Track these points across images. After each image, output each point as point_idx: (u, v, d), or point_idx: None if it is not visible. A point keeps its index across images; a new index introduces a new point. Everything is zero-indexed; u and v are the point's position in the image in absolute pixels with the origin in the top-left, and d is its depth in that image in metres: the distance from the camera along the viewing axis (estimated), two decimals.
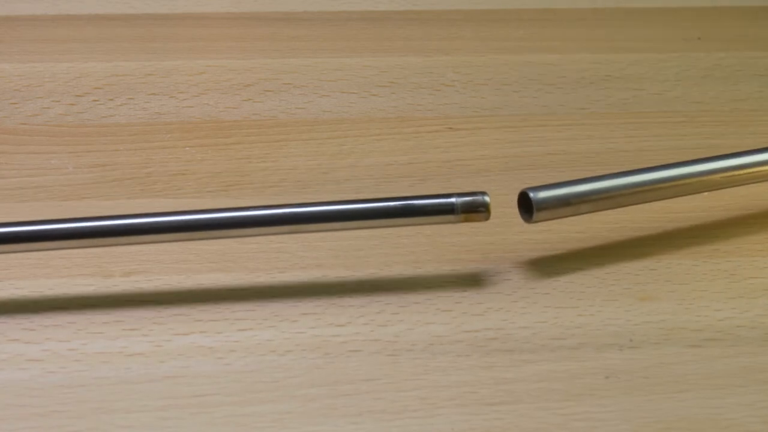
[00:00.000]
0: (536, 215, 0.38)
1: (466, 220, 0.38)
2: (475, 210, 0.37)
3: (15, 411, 0.33)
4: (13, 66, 0.50)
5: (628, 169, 0.40)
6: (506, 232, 0.41)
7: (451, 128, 0.47)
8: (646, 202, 0.40)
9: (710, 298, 0.38)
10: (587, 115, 0.49)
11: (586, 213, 0.39)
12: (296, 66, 0.51)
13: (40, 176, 0.43)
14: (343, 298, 0.37)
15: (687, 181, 0.40)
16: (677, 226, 0.42)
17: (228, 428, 0.33)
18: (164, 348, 0.35)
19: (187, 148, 0.45)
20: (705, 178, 0.40)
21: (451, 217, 0.37)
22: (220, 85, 0.49)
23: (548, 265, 0.39)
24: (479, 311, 0.37)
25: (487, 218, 0.38)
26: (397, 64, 0.51)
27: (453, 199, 0.37)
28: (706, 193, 0.43)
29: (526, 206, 0.38)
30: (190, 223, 0.36)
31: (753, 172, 0.41)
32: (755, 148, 0.42)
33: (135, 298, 0.37)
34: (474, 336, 0.36)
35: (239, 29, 0.54)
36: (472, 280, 0.39)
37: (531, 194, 0.38)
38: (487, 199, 0.37)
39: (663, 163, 0.41)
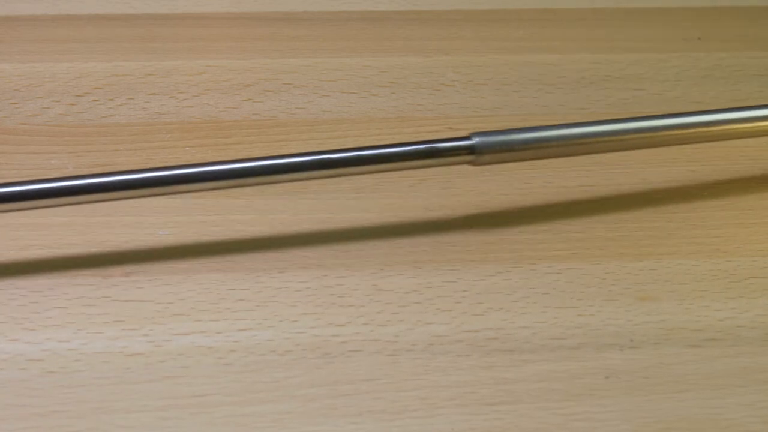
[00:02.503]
0: (479, 158, 0.39)
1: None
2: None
3: (15, 411, 0.33)
4: (13, 66, 0.50)
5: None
6: (506, 232, 0.41)
7: (451, 128, 0.47)
8: (591, 153, 0.41)
9: (710, 298, 0.38)
10: (587, 115, 0.49)
11: (531, 159, 0.40)
12: (296, 66, 0.51)
13: (40, 176, 0.43)
14: (343, 298, 0.38)
15: (631, 136, 0.41)
16: (677, 226, 0.42)
17: (228, 428, 0.33)
18: (164, 348, 0.35)
19: (187, 148, 0.45)
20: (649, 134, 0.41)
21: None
22: (220, 85, 0.49)
23: (548, 265, 0.39)
24: (479, 311, 0.37)
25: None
26: (397, 64, 0.51)
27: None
28: (707, 193, 0.43)
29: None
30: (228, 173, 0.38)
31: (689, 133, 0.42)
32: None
33: (135, 298, 0.37)
34: (474, 336, 0.36)
35: (239, 29, 0.54)
36: (472, 280, 0.39)
37: (476, 139, 0.39)
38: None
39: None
